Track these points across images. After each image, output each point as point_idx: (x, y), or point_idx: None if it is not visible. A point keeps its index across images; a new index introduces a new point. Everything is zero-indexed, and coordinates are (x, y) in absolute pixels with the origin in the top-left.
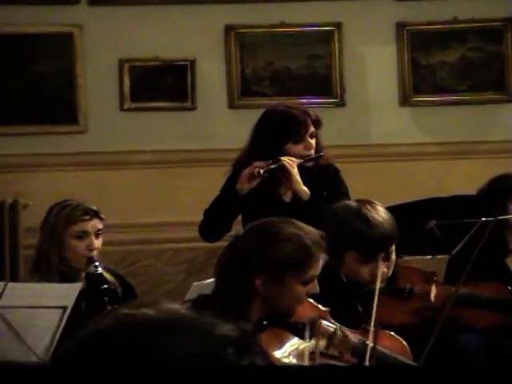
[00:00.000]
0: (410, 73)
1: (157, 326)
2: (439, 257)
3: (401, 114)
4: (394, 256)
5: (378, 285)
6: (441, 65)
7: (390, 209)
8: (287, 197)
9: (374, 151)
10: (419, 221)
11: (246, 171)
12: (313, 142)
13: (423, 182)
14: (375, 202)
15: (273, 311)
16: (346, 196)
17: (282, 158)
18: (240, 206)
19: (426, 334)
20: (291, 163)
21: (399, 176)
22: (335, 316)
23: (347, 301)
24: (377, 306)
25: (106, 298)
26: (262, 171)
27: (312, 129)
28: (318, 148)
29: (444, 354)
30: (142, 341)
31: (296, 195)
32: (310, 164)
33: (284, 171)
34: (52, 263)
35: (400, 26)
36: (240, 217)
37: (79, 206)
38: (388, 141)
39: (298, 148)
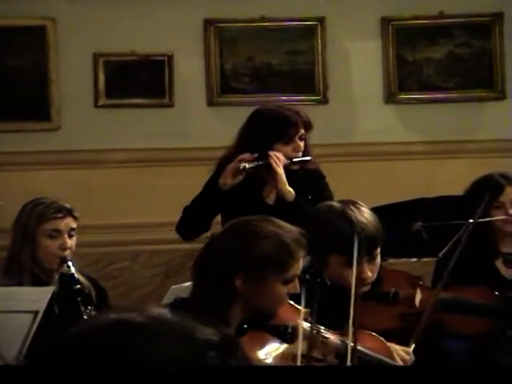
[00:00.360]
0: (395, 69)
1: (137, 330)
2: (425, 259)
3: (386, 111)
4: (378, 259)
5: (353, 289)
6: (427, 61)
7: (374, 210)
8: (270, 199)
9: (358, 150)
10: (405, 222)
11: (231, 165)
12: (302, 144)
13: (409, 182)
14: (360, 202)
15: (254, 312)
16: (331, 200)
17: (271, 153)
18: (222, 202)
19: (410, 339)
20: (278, 162)
21: (384, 176)
22: (318, 319)
23: (331, 304)
24: (361, 310)
25: (78, 299)
26: (247, 166)
27: (302, 131)
28: (306, 151)
29: (429, 359)
30: (122, 345)
31: (280, 196)
32: (296, 167)
33: (270, 169)
34: (24, 264)
35: (385, 21)
36: (219, 218)
37: (52, 203)
38: (372, 139)
39: (287, 149)
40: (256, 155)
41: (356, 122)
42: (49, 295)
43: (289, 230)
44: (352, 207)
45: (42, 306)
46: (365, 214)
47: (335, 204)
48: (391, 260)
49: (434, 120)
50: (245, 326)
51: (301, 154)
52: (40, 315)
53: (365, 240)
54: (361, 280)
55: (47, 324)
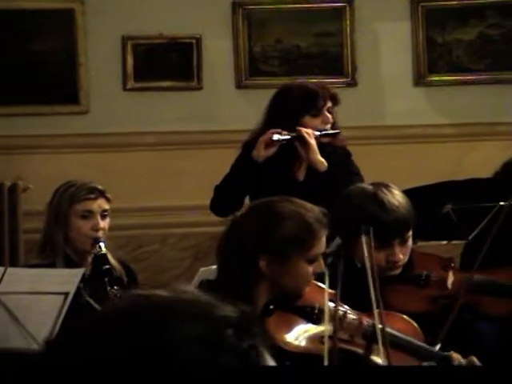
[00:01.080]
0: (424, 51)
1: (153, 308)
2: (455, 242)
3: (415, 93)
4: (410, 241)
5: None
6: (457, 42)
7: (403, 192)
8: (300, 175)
9: (387, 133)
10: (435, 205)
11: (262, 138)
12: (330, 116)
13: (439, 165)
14: (391, 185)
15: (280, 293)
16: (358, 175)
17: (299, 128)
18: (255, 176)
19: (442, 322)
20: (309, 133)
21: (413, 159)
22: (347, 301)
23: (360, 286)
24: (392, 293)
25: (106, 279)
26: (280, 137)
27: (329, 103)
28: (335, 125)
29: (462, 341)
30: (136, 324)
31: (309, 168)
32: (326, 140)
33: (302, 141)
34: (57, 245)
35: (414, 2)
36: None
37: (84, 185)
38: (402, 122)
39: (316, 122)
40: (286, 128)
41: (385, 104)
42: (79, 277)
43: (310, 209)
44: (384, 190)
45: (72, 287)
46: (396, 197)
47: (367, 186)
48: (421, 243)
49: (463, 102)
50: (271, 307)
51: (330, 126)
52: (70, 297)
53: (397, 222)
54: (392, 263)
55: (79, 307)
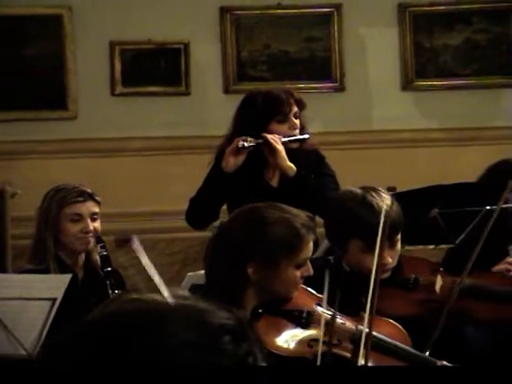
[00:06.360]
0: (412, 56)
1: (148, 314)
2: (442, 246)
3: (403, 98)
4: (399, 245)
5: (373, 273)
6: (445, 47)
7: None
8: (274, 182)
9: (375, 137)
10: (422, 209)
11: (229, 148)
12: (297, 122)
13: (427, 169)
14: (380, 189)
15: (269, 298)
16: (331, 176)
17: (265, 135)
18: (227, 187)
19: (430, 326)
20: (275, 139)
21: (401, 163)
22: (337, 305)
23: (349, 290)
24: (380, 296)
25: (108, 282)
26: (245, 144)
27: (295, 109)
28: (303, 130)
29: (449, 346)
30: (134, 330)
31: (283, 177)
32: (295, 145)
33: (269, 147)
34: (48, 249)
35: (402, 7)
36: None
37: (73, 188)
38: (390, 127)
39: (283, 128)
40: (252, 134)
41: (373, 109)
42: (67, 282)
43: (296, 214)
44: (373, 193)
45: (59, 293)
46: (386, 200)
47: (356, 190)
48: (408, 247)
49: (451, 107)
50: (260, 311)
51: (298, 132)
52: (58, 302)
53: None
54: (381, 266)
55: (74, 310)
